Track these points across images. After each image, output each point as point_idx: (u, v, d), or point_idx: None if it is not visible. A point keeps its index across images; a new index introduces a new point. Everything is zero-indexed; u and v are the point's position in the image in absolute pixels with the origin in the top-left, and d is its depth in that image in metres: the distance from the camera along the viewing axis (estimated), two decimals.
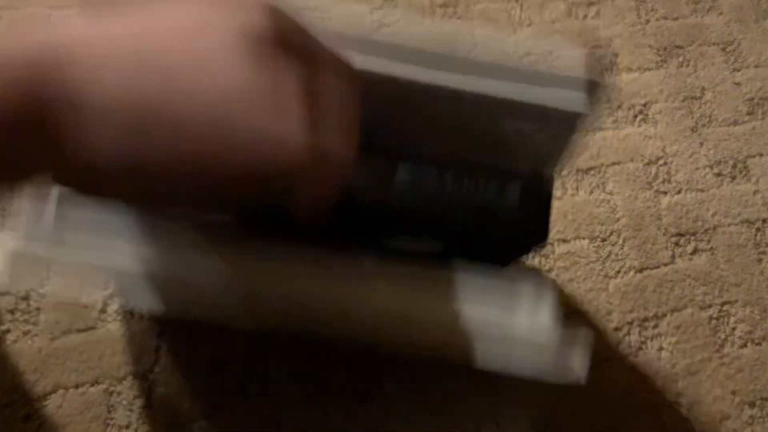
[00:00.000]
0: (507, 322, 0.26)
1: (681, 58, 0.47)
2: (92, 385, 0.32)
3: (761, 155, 0.45)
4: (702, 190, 0.43)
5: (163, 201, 0.17)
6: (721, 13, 0.49)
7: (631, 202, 0.42)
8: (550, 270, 0.39)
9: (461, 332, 0.27)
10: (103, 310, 0.34)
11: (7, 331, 0.33)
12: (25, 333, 0.33)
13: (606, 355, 0.37)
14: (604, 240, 0.40)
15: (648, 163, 0.43)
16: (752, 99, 0.47)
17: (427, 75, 0.27)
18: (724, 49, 0.48)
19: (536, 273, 0.37)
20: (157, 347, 0.33)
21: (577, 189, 0.41)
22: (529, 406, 0.35)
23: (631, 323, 0.38)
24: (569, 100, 0.28)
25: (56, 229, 0.23)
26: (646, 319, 0.38)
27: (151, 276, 0.25)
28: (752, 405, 0.37)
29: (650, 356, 0.37)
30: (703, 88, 0.46)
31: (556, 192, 0.41)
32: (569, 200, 0.41)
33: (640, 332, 0.38)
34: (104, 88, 0.15)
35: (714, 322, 0.39)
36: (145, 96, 0.15)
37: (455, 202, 0.28)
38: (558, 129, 0.29)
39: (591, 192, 0.41)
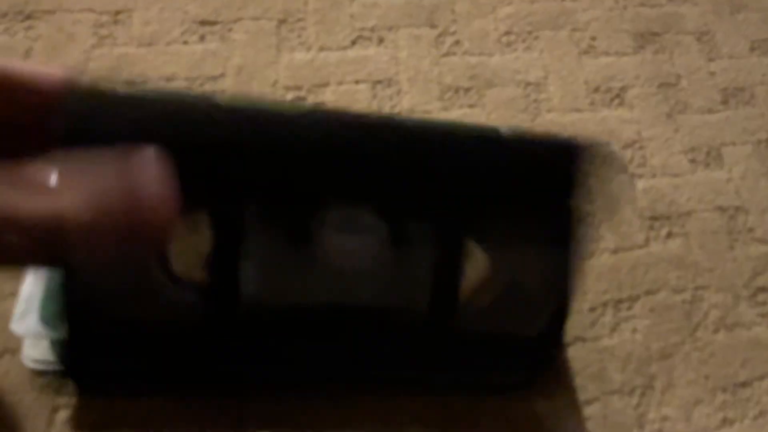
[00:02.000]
0: None
1: (657, 45, 0.47)
2: None
3: (734, 144, 0.44)
4: (676, 176, 0.42)
5: None
6: (696, 4, 0.49)
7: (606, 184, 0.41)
8: None
9: None
10: None
11: None
12: None
13: (580, 335, 0.36)
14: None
15: (624, 147, 0.42)
16: (726, 89, 0.47)
17: None
18: (699, 39, 0.48)
19: None
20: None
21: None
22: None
23: (605, 304, 0.37)
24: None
25: None
26: (620, 301, 0.37)
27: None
28: (725, 390, 0.36)
29: (624, 338, 0.36)
30: (678, 76, 0.46)
31: None
32: None
33: (614, 314, 0.37)
34: None
35: (687, 306, 0.38)
36: None
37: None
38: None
39: None
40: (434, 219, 0.22)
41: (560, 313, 0.24)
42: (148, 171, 0.15)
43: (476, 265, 0.24)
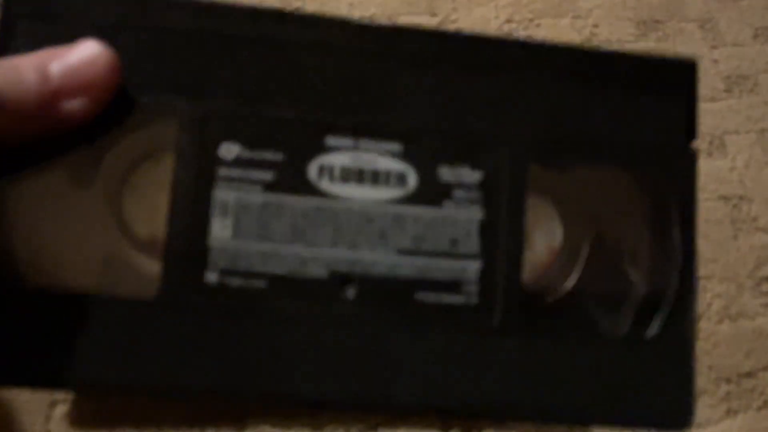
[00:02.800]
0: None
1: (660, 33, 0.46)
2: None
3: (738, 133, 0.44)
4: None
5: None
6: None
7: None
8: None
9: None
10: None
11: None
12: None
13: None
14: None
15: None
16: (729, 77, 0.46)
17: None
18: (702, 26, 0.48)
19: None
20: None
21: None
22: None
23: None
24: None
25: None
26: None
27: None
28: (728, 381, 0.36)
29: None
30: None
31: None
32: None
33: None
34: None
35: None
36: None
37: None
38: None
39: None
40: (481, 164, 0.18)
41: (680, 309, 0.18)
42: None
43: (547, 234, 0.18)
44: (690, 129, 0.20)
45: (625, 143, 0.18)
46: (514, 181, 0.18)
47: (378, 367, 0.16)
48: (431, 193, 0.18)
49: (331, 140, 0.17)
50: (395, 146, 0.17)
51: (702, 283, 0.38)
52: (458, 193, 0.18)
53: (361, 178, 0.17)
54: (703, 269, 0.39)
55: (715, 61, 0.47)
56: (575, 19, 0.45)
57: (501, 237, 0.17)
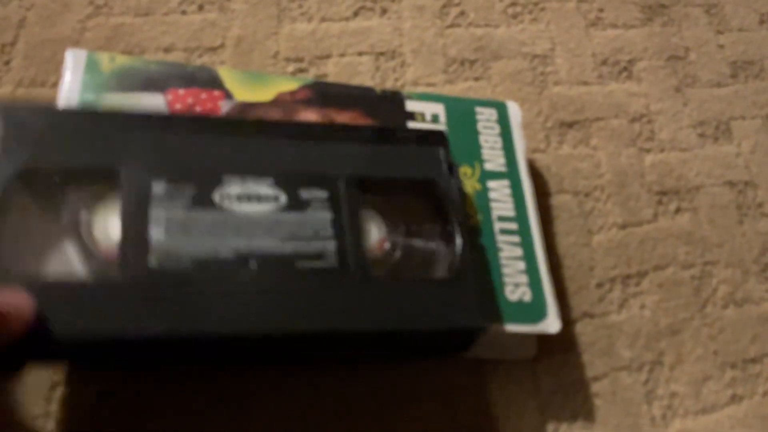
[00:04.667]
0: None
1: (665, 18, 0.46)
2: None
3: (743, 118, 0.44)
4: (685, 150, 0.42)
5: None
6: None
7: (615, 158, 0.40)
8: None
9: None
10: None
11: None
12: None
13: (588, 310, 0.35)
14: (587, 195, 0.38)
15: (632, 120, 0.42)
16: (735, 62, 0.46)
17: None
18: (708, 11, 0.47)
19: None
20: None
21: (560, 143, 0.40)
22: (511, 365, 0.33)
23: (613, 280, 0.36)
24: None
25: None
26: (628, 276, 0.37)
27: None
28: (734, 366, 0.36)
29: (633, 314, 0.36)
30: (687, 49, 0.45)
31: (540, 144, 0.39)
32: (553, 153, 0.39)
33: (622, 289, 0.36)
34: None
35: (696, 282, 0.38)
36: None
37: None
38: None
39: (575, 146, 0.40)
40: (327, 187, 0.28)
41: (463, 261, 0.28)
42: None
43: (376, 230, 0.29)
44: (450, 169, 0.30)
45: (413, 179, 0.29)
46: (349, 197, 0.28)
47: (272, 310, 0.24)
48: (297, 205, 0.27)
49: (226, 178, 0.26)
50: (269, 180, 0.27)
51: (707, 269, 0.38)
52: (315, 204, 0.27)
53: (249, 198, 0.26)
54: (708, 254, 0.39)
55: (721, 46, 0.46)
56: (581, 2, 0.45)
57: (346, 227, 0.27)
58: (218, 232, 0.25)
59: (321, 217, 0.27)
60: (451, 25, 0.42)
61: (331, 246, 0.26)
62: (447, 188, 0.29)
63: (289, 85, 0.33)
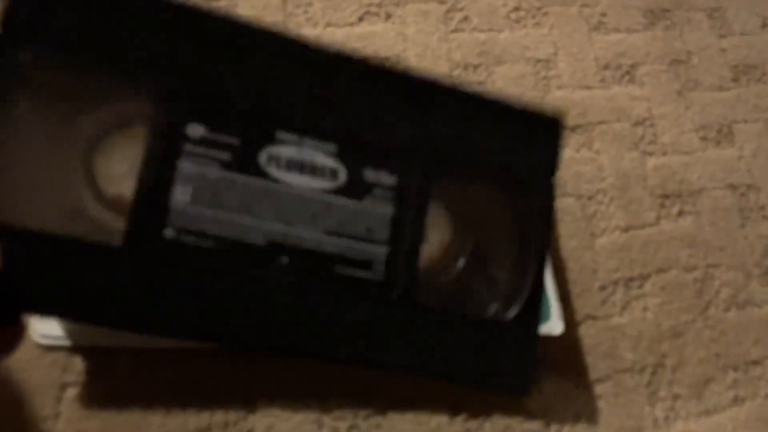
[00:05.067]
0: None
1: (668, 22, 0.46)
2: None
3: (746, 121, 0.44)
4: (687, 153, 0.42)
5: None
6: None
7: (617, 161, 0.40)
8: None
9: None
10: None
11: None
12: None
13: (591, 313, 0.36)
14: (590, 198, 0.39)
15: (635, 124, 0.42)
16: (737, 66, 0.46)
17: None
18: (710, 15, 0.47)
19: None
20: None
21: (564, 146, 0.40)
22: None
23: (616, 282, 0.37)
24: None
25: None
26: (631, 279, 0.37)
27: None
28: (736, 368, 0.36)
29: (635, 316, 0.36)
30: (689, 53, 0.46)
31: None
32: None
33: (625, 292, 0.37)
34: None
35: (699, 284, 0.38)
36: None
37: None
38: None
39: (578, 150, 0.40)
40: (398, 171, 0.22)
41: (532, 300, 0.23)
42: None
43: (440, 232, 0.24)
44: (552, 167, 0.24)
45: (503, 174, 0.23)
46: (420, 188, 0.22)
47: (298, 320, 0.20)
48: (356, 188, 0.22)
49: (281, 135, 0.21)
50: (332, 147, 0.21)
51: (710, 272, 0.39)
52: (377, 192, 0.22)
53: (302, 168, 0.21)
54: (710, 257, 0.39)
55: (723, 51, 0.46)
56: (583, 7, 0.45)
57: (406, 231, 0.22)
58: (254, 208, 0.20)
59: (380, 211, 0.22)
60: (455, 30, 0.42)
61: (381, 253, 0.22)
62: (542, 198, 0.24)
63: None
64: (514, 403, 0.32)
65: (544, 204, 0.24)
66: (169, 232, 0.19)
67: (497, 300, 0.23)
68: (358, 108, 0.22)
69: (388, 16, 0.41)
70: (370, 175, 0.22)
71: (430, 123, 0.22)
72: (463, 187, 0.24)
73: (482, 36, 0.42)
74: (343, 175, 0.22)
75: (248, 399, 0.29)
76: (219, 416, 0.29)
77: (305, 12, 0.40)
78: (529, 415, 0.32)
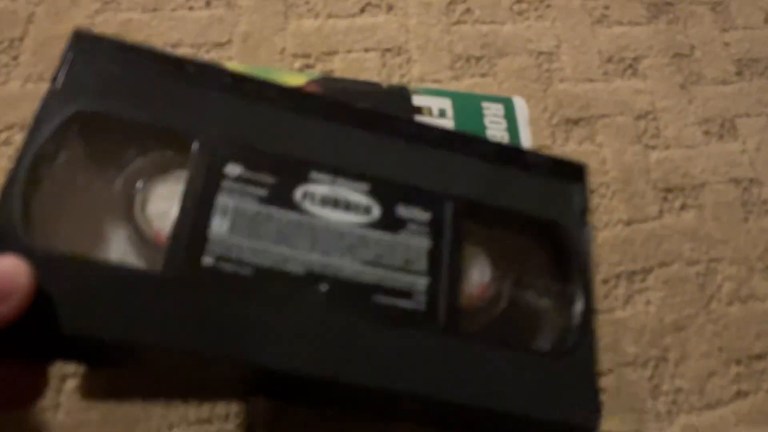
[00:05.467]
0: None
1: (671, 15, 0.46)
2: None
3: (748, 115, 0.44)
4: (690, 147, 0.42)
5: None
6: None
7: (620, 155, 0.40)
8: None
9: None
10: None
11: None
12: None
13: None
14: (592, 191, 0.39)
15: (637, 118, 0.42)
16: (740, 60, 0.46)
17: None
18: (713, 9, 0.47)
19: None
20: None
21: (566, 139, 0.40)
22: None
23: (618, 276, 0.37)
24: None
25: None
26: (633, 273, 0.37)
27: None
28: (738, 362, 0.36)
29: (638, 310, 0.36)
30: (692, 46, 0.45)
31: (546, 141, 0.40)
32: (558, 150, 0.39)
33: (627, 285, 0.36)
34: None
35: (701, 278, 0.38)
36: None
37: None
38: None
39: (581, 143, 0.40)
40: (430, 209, 0.23)
41: (584, 333, 0.23)
42: None
43: (479, 272, 0.24)
44: (584, 211, 0.25)
45: (536, 218, 0.24)
46: (454, 224, 0.23)
47: (338, 351, 0.20)
48: (390, 223, 0.22)
49: (314, 174, 0.22)
50: (364, 186, 0.22)
51: (712, 266, 0.38)
52: (411, 226, 0.22)
53: (336, 204, 0.22)
54: (713, 251, 0.39)
55: (727, 44, 0.46)
56: (587, 0, 0.45)
57: (444, 263, 0.22)
58: (291, 239, 0.21)
59: (416, 243, 0.22)
60: (457, 22, 0.42)
61: (421, 283, 0.21)
62: (577, 237, 0.24)
63: (296, 80, 0.33)
64: None
65: (582, 246, 0.24)
66: (207, 260, 0.20)
67: (547, 334, 0.23)
68: (388, 154, 0.23)
69: (390, 8, 0.41)
70: (403, 211, 0.22)
71: (459, 169, 0.24)
72: (497, 230, 0.24)
73: (485, 28, 0.42)
74: (376, 211, 0.22)
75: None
76: (220, 408, 0.28)
77: (306, 3, 0.40)
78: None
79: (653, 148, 0.41)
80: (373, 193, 0.22)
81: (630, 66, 0.43)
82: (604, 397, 0.33)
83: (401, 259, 0.22)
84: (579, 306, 0.23)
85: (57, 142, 0.20)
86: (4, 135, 0.33)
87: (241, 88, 0.22)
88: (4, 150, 0.32)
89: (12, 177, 0.19)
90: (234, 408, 0.29)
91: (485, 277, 0.24)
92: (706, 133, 0.42)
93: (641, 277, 0.37)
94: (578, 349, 0.22)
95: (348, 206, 0.22)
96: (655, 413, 0.33)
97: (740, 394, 0.35)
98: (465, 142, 0.24)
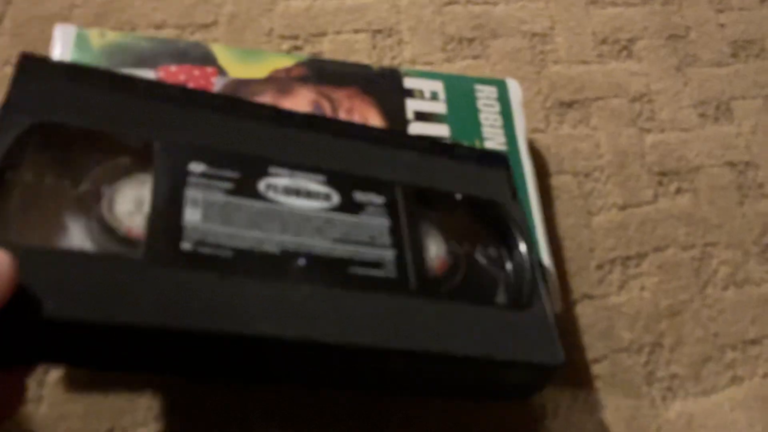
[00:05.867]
0: None
1: None
2: None
3: (744, 98, 0.43)
4: (685, 130, 0.41)
5: None
6: None
7: (614, 138, 0.40)
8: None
9: None
10: None
11: None
12: None
13: (587, 292, 0.35)
14: (587, 175, 0.38)
15: (632, 100, 0.41)
16: (736, 41, 0.45)
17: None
18: None
19: None
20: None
21: (560, 123, 0.39)
22: None
23: (613, 261, 0.36)
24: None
25: None
26: (628, 258, 0.36)
27: None
28: (734, 348, 0.36)
29: (633, 295, 0.35)
30: (687, 28, 0.45)
31: (539, 124, 0.39)
32: (552, 133, 0.39)
33: (622, 271, 0.36)
34: None
35: (696, 263, 0.37)
36: None
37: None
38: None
39: (575, 126, 0.39)
40: (383, 194, 0.25)
41: (534, 287, 0.26)
42: None
43: (436, 246, 0.26)
44: (513, 191, 0.28)
45: (475, 198, 0.27)
46: (407, 205, 0.25)
47: (321, 315, 0.21)
48: (350, 206, 0.24)
49: (273, 169, 0.23)
50: (321, 177, 0.24)
51: (708, 250, 0.38)
52: (370, 209, 0.24)
53: (298, 193, 0.23)
54: (708, 236, 0.38)
55: (722, 26, 0.46)
56: None
57: (405, 236, 0.24)
58: (263, 224, 0.22)
59: (378, 223, 0.24)
60: (449, 3, 0.41)
61: (389, 255, 0.23)
62: (513, 211, 0.27)
63: (284, 62, 0.32)
64: None
65: (519, 216, 0.28)
66: (186, 245, 0.20)
67: (504, 293, 0.26)
68: (337, 150, 0.25)
69: None
70: (360, 196, 0.24)
71: (401, 161, 0.26)
72: (444, 210, 0.27)
73: (477, 9, 0.41)
74: (336, 198, 0.24)
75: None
76: (210, 401, 0.28)
77: None
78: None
79: (648, 131, 0.40)
80: (330, 182, 0.24)
81: (625, 48, 0.43)
82: (599, 384, 0.33)
83: (366, 236, 0.24)
84: (527, 266, 0.26)
85: (18, 153, 0.20)
86: None
87: (191, 99, 0.24)
88: None
89: None
90: (223, 400, 0.28)
91: (441, 250, 0.26)
92: (702, 115, 0.42)
93: (636, 262, 0.36)
94: (533, 301, 0.25)
95: (309, 194, 0.24)
96: (650, 399, 0.33)
97: (735, 380, 0.35)
98: (403, 139, 0.27)
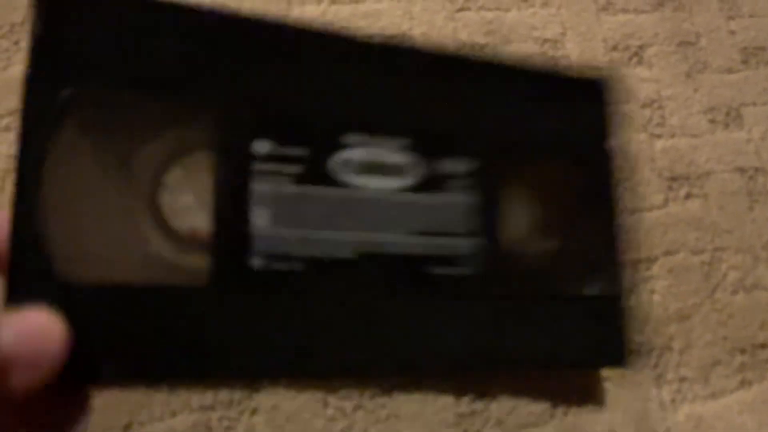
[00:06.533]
0: None
1: (676, 3, 0.46)
2: None
3: (754, 104, 0.43)
4: (696, 136, 0.41)
5: None
6: None
7: (625, 143, 0.40)
8: None
9: None
10: None
11: None
12: None
13: None
14: None
15: (643, 106, 0.41)
16: (746, 48, 0.45)
17: None
18: None
19: None
20: None
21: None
22: None
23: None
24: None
25: None
26: (638, 262, 0.37)
27: None
28: (743, 352, 0.36)
29: (642, 298, 0.36)
30: (698, 34, 0.45)
31: None
32: None
33: (632, 275, 0.36)
34: None
35: (706, 267, 0.38)
36: None
37: None
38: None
39: None
40: (470, 155, 0.21)
41: (616, 272, 0.23)
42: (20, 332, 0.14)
43: (524, 213, 0.23)
44: (606, 133, 0.24)
45: (561, 147, 0.23)
46: (497, 170, 0.21)
47: (408, 334, 0.19)
48: (432, 181, 0.20)
49: (349, 137, 0.19)
50: (403, 141, 0.20)
51: (717, 255, 0.38)
52: (453, 183, 0.20)
53: (374, 169, 0.19)
54: (718, 240, 0.39)
55: (732, 32, 0.46)
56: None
57: (488, 217, 0.21)
58: (335, 220, 0.19)
59: (459, 201, 0.20)
60: (462, 9, 0.41)
61: (465, 246, 0.20)
62: (613, 164, 0.23)
63: None
64: (519, 385, 0.32)
65: (604, 172, 0.23)
66: (256, 262, 0.17)
67: (584, 276, 0.23)
68: (421, 97, 0.20)
69: None
70: (444, 164, 0.21)
71: (489, 104, 0.22)
72: (534, 166, 0.23)
73: (489, 15, 0.42)
74: (417, 170, 0.20)
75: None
76: (223, 395, 0.28)
77: None
78: (535, 396, 0.32)
79: (659, 136, 0.41)
80: (413, 148, 0.20)
81: (635, 54, 0.43)
82: (608, 386, 0.33)
83: (443, 222, 0.20)
84: (610, 249, 0.23)
85: (48, 143, 0.16)
86: (5, 121, 0.32)
87: (249, 35, 0.19)
88: (5, 136, 0.32)
89: (21, 198, 0.15)
90: (237, 395, 0.28)
91: (530, 217, 0.23)
92: (712, 121, 0.42)
93: (646, 266, 0.37)
94: (619, 290, 0.22)
95: (387, 170, 0.20)
96: (659, 402, 0.33)
97: (745, 384, 0.35)
98: (498, 71, 0.22)
